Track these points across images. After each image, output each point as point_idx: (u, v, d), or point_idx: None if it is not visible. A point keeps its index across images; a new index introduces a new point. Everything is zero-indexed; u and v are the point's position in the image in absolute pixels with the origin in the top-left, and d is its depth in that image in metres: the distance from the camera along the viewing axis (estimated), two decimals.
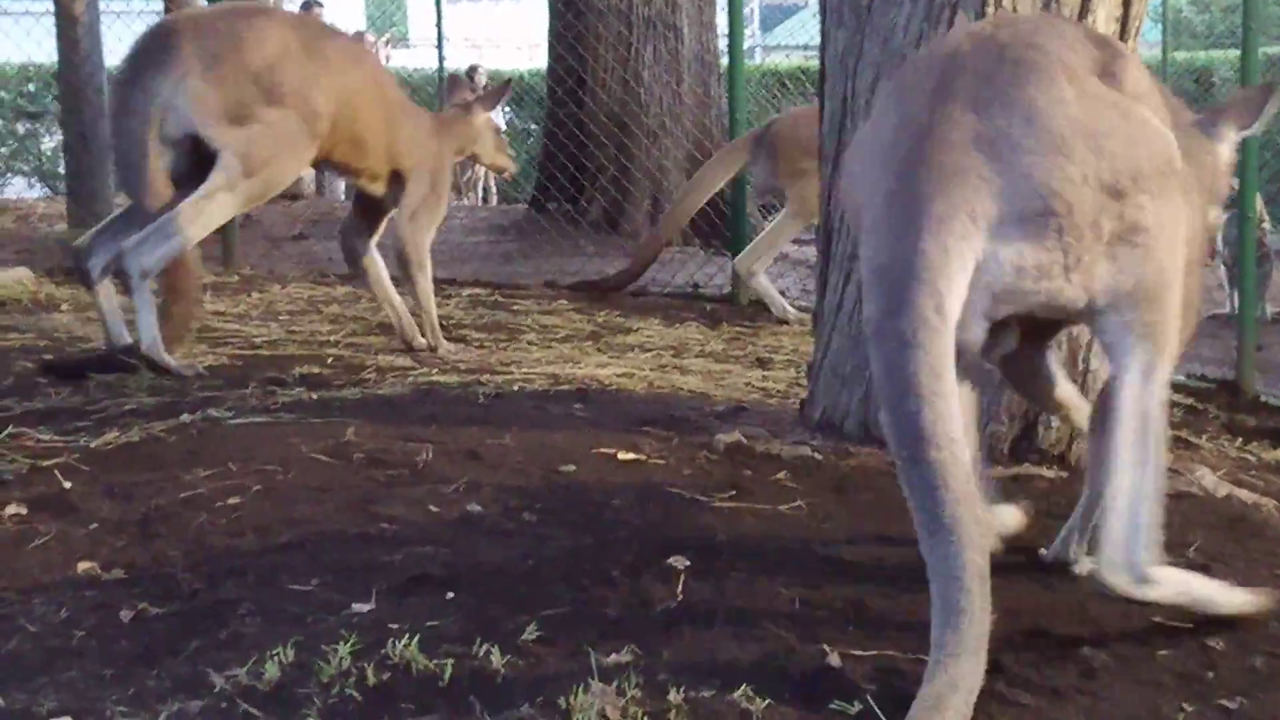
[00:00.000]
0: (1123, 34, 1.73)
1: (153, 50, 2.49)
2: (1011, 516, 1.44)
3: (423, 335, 2.84)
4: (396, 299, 2.88)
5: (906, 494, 1.03)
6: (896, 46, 1.77)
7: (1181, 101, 1.50)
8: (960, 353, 1.10)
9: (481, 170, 8.72)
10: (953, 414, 1.03)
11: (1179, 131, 1.28)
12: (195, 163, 2.46)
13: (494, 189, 10.12)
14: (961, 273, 1.06)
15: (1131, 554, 1.15)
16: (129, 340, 2.46)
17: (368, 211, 2.94)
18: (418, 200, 2.85)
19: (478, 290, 3.97)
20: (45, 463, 1.73)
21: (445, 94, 3.85)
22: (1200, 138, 1.39)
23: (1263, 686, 1.10)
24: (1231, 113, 1.45)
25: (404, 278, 2.92)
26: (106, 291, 2.50)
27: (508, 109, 10.18)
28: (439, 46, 8.23)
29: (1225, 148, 1.44)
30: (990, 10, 1.68)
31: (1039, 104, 1.11)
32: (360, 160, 2.74)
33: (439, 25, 8.32)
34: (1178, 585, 1.21)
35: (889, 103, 1.32)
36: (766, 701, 1.00)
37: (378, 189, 2.83)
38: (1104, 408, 1.22)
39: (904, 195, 1.11)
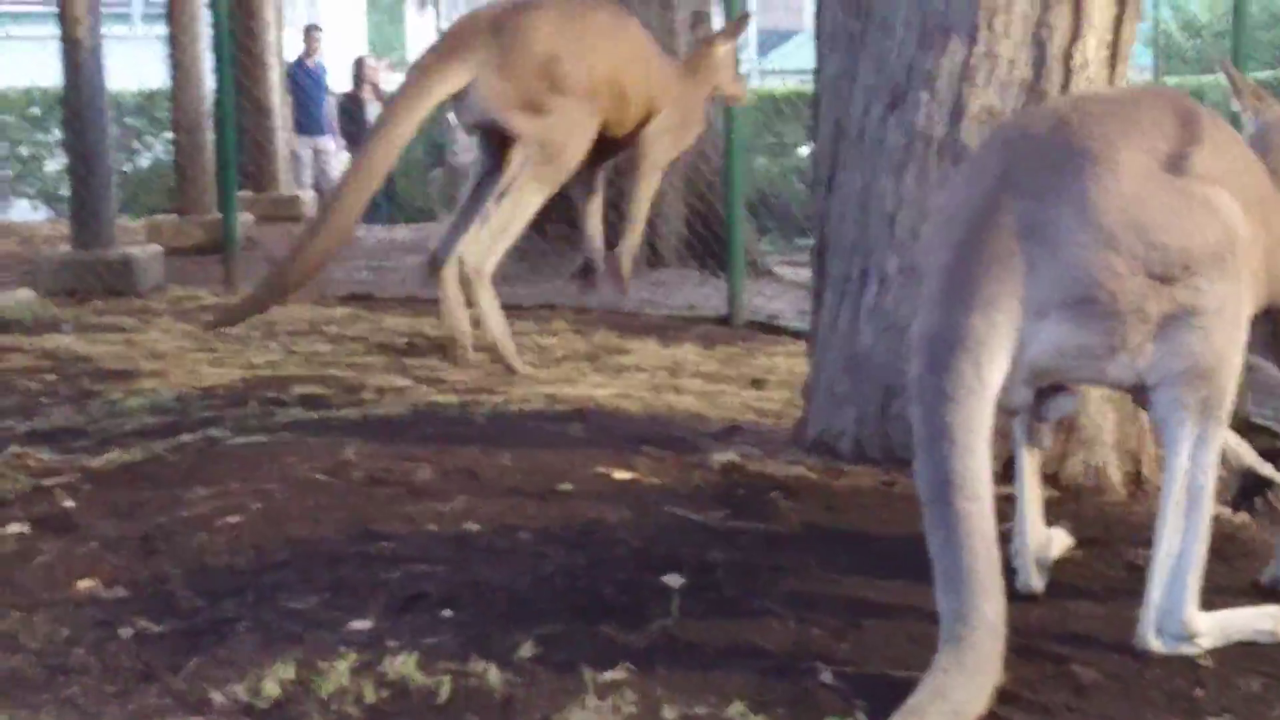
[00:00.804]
0: (1113, 59, 1.78)
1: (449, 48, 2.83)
2: (1061, 539, 1.51)
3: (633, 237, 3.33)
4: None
5: (929, 538, 1.08)
6: (889, 72, 1.82)
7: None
8: (1010, 412, 1.23)
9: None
10: (984, 468, 1.10)
11: (1272, 198, 1.35)
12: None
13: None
14: (1003, 349, 1.14)
15: (1173, 616, 1.20)
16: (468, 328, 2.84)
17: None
18: (663, 128, 3.12)
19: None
20: (47, 482, 1.76)
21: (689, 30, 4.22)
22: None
23: (1251, 704, 1.12)
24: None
25: (631, 182, 3.26)
26: (447, 282, 2.83)
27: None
28: None
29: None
30: (983, 33, 1.73)
31: (1091, 195, 1.17)
32: (621, 121, 2.98)
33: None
34: (1218, 633, 1.25)
35: (963, 178, 1.42)
36: (760, 718, 1.02)
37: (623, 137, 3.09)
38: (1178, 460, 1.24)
39: (959, 273, 1.19)
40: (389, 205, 8.58)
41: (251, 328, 3.26)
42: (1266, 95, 1.63)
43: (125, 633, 1.32)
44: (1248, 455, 1.61)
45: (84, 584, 1.50)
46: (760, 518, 1.65)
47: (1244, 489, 1.71)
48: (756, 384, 2.87)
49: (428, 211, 9.12)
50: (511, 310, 3.21)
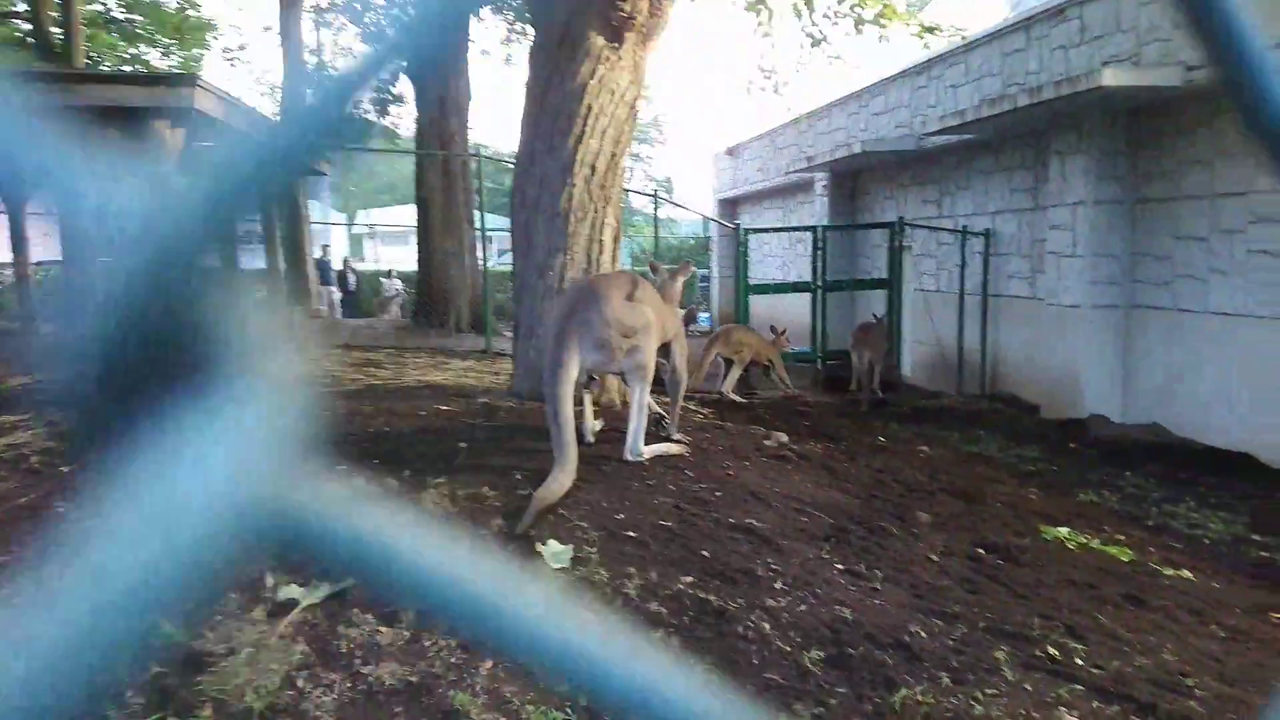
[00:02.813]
0: (613, 260, 4.81)
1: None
2: (598, 425, 4.35)
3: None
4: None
5: (551, 429, 3.25)
6: (538, 259, 4.76)
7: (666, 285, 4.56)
8: (577, 382, 4.01)
9: (396, 301, 17.76)
10: (570, 406, 3.32)
11: (665, 300, 4.28)
12: None
13: (399, 311, 17.37)
14: (575, 364, 3.49)
15: (635, 447, 3.73)
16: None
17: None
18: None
19: (391, 350, 7.12)
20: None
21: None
22: (670, 286, 4.43)
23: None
24: (676, 275, 4.49)
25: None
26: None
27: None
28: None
29: (678, 285, 4.47)
30: (572, 249, 4.71)
31: (603, 309, 3.74)
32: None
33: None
34: (650, 452, 3.92)
35: (561, 301, 4.08)
36: (494, 490, 3.90)
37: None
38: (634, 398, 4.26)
39: (559, 338, 3.49)
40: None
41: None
42: (661, 267, 4.71)
43: None
44: (653, 404, 4.64)
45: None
46: (497, 421, 4.50)
47: (658, 418, 4.79)
48: (496, 374, 5.88)
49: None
50: (407, 350, 6.14)
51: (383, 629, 2.37)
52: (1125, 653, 2.80)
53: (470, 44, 11.54)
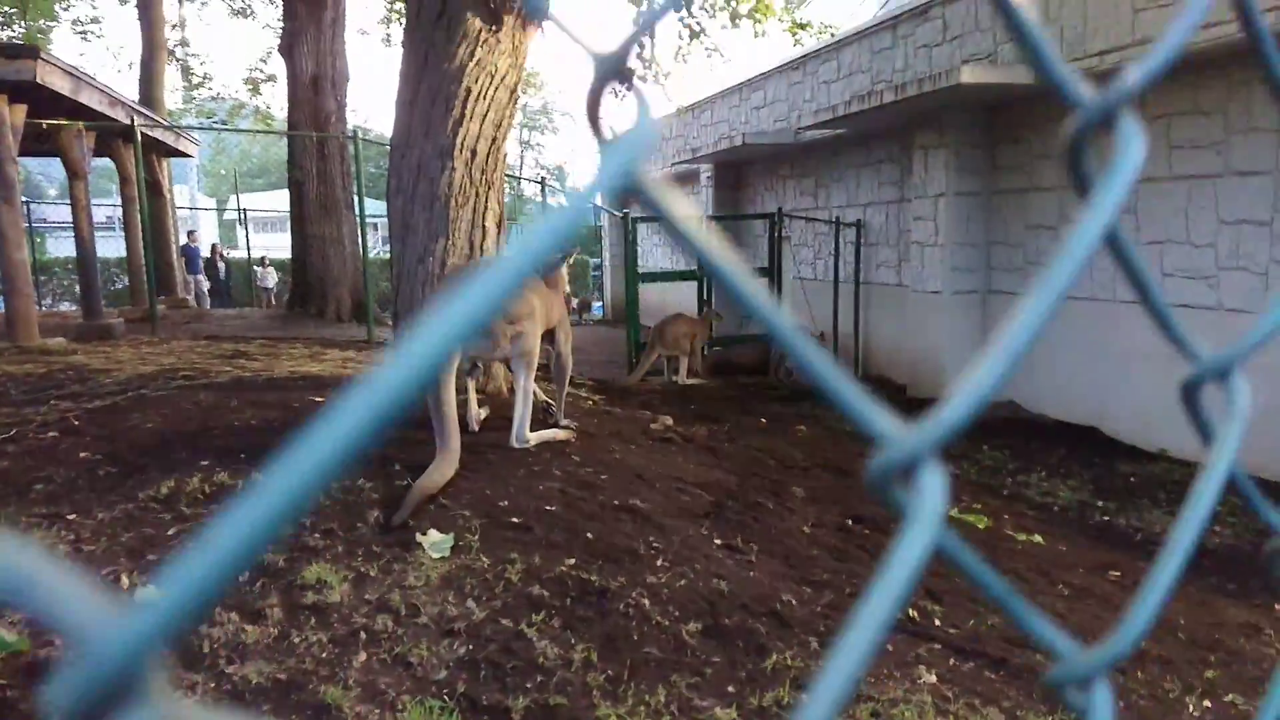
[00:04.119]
0: (497, 247, 4.79)
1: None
2: (483, 412, 4.34)
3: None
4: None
5: (433, 418, 3.45)
6: (418, 245, 4.68)
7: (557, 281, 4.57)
8: (459, 369, 3.94)
9: (273, 292, 17.71)
10: (450, 388, 3.46)
11: (550, 288, 4.27)
12: None
13: (274, 301, 17.03)
14: (454, 353, 3.86)
15: (520, 434, 3.78)
16: None
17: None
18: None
19: (264, 342, 6.84)
20: (69, 415, 4.13)
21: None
22: (553, 281, 4.42)
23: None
24: (559, 263, 4.50)
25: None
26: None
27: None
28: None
29: (563, 271, 4.48)
30: (453, 235, 4.65)
31: None
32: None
33: None
34: (537, 438, 3.97)
35: (441, 287, 4.11)
36: (370, 483, 3.80)
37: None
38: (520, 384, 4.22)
39: None
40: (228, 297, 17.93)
41: (166, 352, 5.81)
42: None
43: (101, 472, 3.63)
44: (539, 392, 4.64)
45: (83, 454, 3.87)
46: None
47: (545, 405, 4.80)
48: (377, 364, 5.83)
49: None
50: (282, 340, 5.90)
51: (248, 627, 2.29)
52: (979, 613, 3.01)
53: (347, 22, 11.10)
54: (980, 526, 4.32)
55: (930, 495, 0.28)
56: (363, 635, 2.32)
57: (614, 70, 0.32)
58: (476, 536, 2.86)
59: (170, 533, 2.82)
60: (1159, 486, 5.92)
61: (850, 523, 3.81)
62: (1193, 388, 0.50)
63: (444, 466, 3.23)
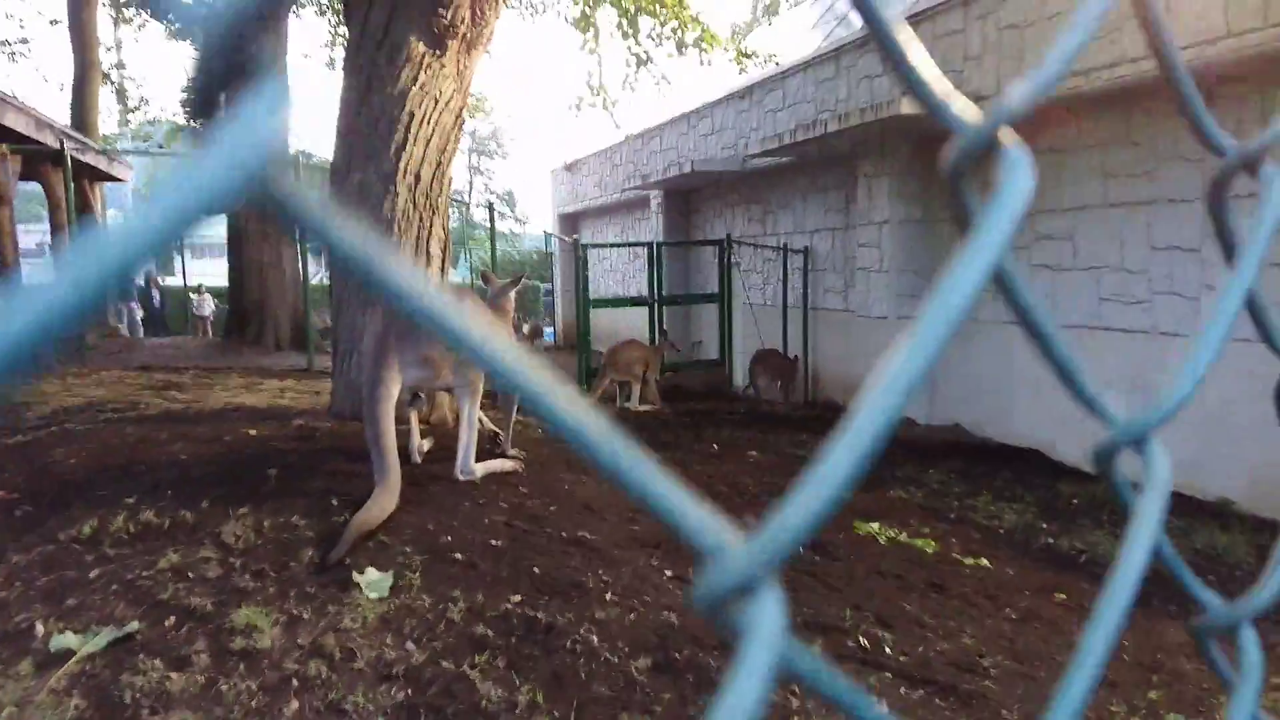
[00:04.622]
0: (444, 262, 4.70)
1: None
2: (426, 443, 4.18)
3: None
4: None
5: (371, 450, 3.30)
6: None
7: (498, 298, 4.45)
8: (400, 399, 3.79)
9: (209, 320, 17.51)
10: (390, 426, 3.27)
11: (497, 314, 4.18)
12: None
13: (210, 330, 17.10)
14: (396, 382, 3.54)
15: (466, 465, 3.72)
16: None
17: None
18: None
19: (198, 371, 6.63)
20: None
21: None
22: (502, 299, 4.32)
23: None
24: (508, 289, 4.41)
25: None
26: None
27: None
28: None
29: (510, 298, 4.39)
30: (391, 215, 4.55)
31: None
32: None
33: None
34: (483, 470, 3.85)
35: (378, 317, 3.94)
36: (306, 519, 3.65)
37: None
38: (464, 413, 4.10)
39: (376, 357, 3.55)
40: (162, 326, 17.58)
41: (95, 383, 5.54)
42: (494, 279, 4.62)
43: (18, 512, 3.33)
44: (486, 421, 4.54)
45: (0, 493, 3.66)
46: (312, 443, 4.27)
47: (493, 434, 4.70)
48: (316, 393, 5.58)
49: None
50: (218, 369, 5.70)
51: (173, 675, 2.16)
52: (929, 639, 2.99)
53: (289, 45, 10.93)
54: (929, 551, 4.34)
55: (770, 617, 0.24)
56: (295, 682, 2.20)
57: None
58: (417, 574, 2.76)
59: (92, 575, 2.67)
60: (1101, 508, 6.03)
61: (801, 550, 3.79)
62: (1106, 454, 0.46)
63: (383, 501, 3.11)
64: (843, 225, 10.79)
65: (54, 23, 18.40)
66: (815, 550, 3.81)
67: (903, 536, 4.49)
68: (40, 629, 2.40)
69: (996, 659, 2.97)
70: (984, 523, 5.66)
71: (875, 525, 4.55)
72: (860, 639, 2.82)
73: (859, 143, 9.33)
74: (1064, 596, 4.04)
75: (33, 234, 19.59)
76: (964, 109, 0.36)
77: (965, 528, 5.43)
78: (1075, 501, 6.24)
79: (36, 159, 8.91)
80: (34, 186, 10.08)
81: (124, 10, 17.15)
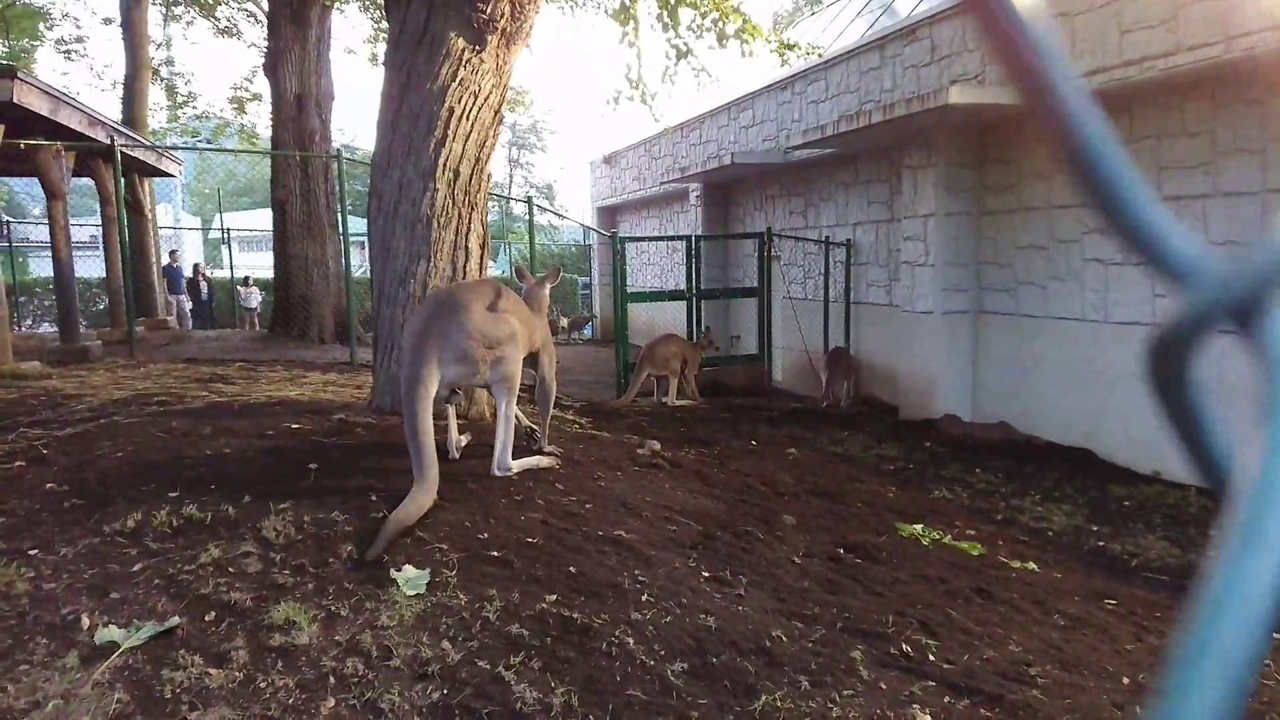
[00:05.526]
0: (480, 270, 4.67)
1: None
2: (465, 439, 4.11)
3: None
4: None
5: (410, 445, 3.18)
6: (398, 268, 4.56)
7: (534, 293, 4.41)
8: (438, 396, 3.65)
9: (256, 312, 17.79)
10: (429, 421, 3.21)
11: (531, 304, 4.08)
12: None
13: (256, 322, 17.26)
14: (434, 379, 3.36)
15: (503, 462, 3.59)
16: None
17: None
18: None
19: (243, 364, 6.71)
20: (36, 442, 3.99)
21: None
22: (538, 293, 4.28)
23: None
24: (544, 282, 4.36)
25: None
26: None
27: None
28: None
29: (545, 292, 4.35)
30: (435, 256, 4.54)
31: (463, 320, 3.56)
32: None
33: None
34: (520, 467, 3.74)
35: (418, 312, 3.72)
36: (345, 514, 3.66)
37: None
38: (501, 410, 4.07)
39: (415, 351, 3.35)
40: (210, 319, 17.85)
41: (143, 375, 5.71)
42: (528, 275, 4.60)
43: (66, 504, 2.93)
44: (522, 417, 4.52)
45: (49, 485, 3.22)
46: (353, 438, 4.27)
47: (529, 431, 4.68)
48: (359, 388, 5.61)
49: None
50: (263, 363, 5.77)
51: (212, 670, 2.17)
52: (974, 646, 2.91)
53: (332, 40, 11.04)
54: (974, 554, 4.23)
55: None
56: (331, 680, 2.20)
57: None
58: (454, 572, 2.75)
59: (135, 569, 2.70)
60: (1154, 510, 5.84)
61: (841, 551, 3.71)
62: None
63: (421, 497, 3.11)
64: (886, 218, 10.60)
65: (107, 21, 18.82)
66: (858, 553, 3.73)
67: (947, 539, 4.39)
68: (86, 622, 2.44)
69: (1044, 667, 2.87)
70: (1032, 525, 5.51)
71: (919, 527, 4.45)
72: (903, 645, 2.75)
73: (904, 134, 9.15)
74: (1115, 603, 3.91)
75: (86, 227, 20.10)
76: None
77: (1012, 529, 5.30)
78: (1127, 504, 6.06)
79: (89, 155, 9.10)
80: (86, 181, 10.32)
81: (173, 8, 17.47)
